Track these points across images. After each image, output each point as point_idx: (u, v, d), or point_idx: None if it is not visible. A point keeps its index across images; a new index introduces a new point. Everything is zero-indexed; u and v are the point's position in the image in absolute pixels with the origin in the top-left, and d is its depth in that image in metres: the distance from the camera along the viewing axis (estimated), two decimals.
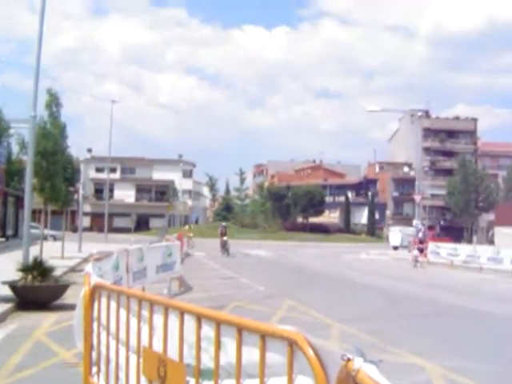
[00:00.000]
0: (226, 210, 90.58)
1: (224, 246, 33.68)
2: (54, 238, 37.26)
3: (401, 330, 10.76)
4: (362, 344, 8.77)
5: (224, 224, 38.30)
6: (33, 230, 19.94)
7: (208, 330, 3.02)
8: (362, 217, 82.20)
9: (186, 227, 50.36)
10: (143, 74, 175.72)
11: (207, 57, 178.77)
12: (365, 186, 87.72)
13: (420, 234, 31.72)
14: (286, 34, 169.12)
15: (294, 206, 77.98)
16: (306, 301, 13.92)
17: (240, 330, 2.70)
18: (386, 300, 15.28)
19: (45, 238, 24.48)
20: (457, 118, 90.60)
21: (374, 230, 78.16)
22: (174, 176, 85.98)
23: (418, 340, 9.66)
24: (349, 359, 1.82)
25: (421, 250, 30.33)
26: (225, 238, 34.28)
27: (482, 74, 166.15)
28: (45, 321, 10.13)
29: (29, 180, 13.61)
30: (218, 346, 2.90)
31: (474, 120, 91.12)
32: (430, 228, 72.70)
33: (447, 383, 6.80)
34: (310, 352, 2.17)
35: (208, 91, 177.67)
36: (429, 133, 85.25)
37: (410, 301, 15.15)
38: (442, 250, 30.54)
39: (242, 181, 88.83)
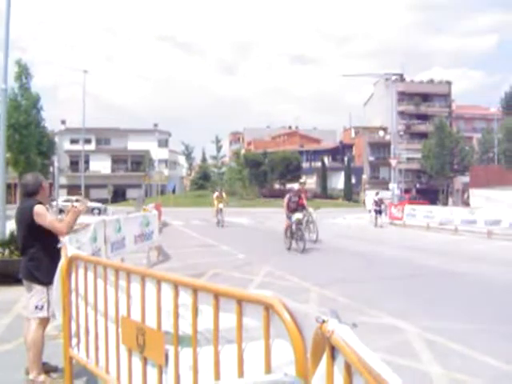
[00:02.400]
0: (203, 179, 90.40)
1: (218, 216, 30.09)
2: None
3: (378, 292, 10.90)
4: (339, 306, 8.95)
5: (220, 188, 33.82)
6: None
7: (185, 298, 3.05)
8: (338, 182, 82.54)
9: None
10: (115, 43, 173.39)
11: (180, 23, 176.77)
12: (341, 151, 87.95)
13: (376, 198, 32.82)
14: None
15: (270, 172, 78.07)
16: (285, 266, 14.03)
17: (217, 296, 2.74)
18: (363, 263, 15.46)
19: None
20: (431, 82, 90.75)
21: (350, 195, 78.53)
22: (150, 146, 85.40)
23: (395, 301, 9.79)
24: (323, 321, 1.85)
25: (379, 212, 32.03)
26: (220, 205, 30.21)
27: (457, 36, 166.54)
28: (24, 295, 10.10)
29: (1, 154, 13.41)
30: (196, 312, 2.93)
31: (449, 83, 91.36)
32: (407, 191, 73.36)
33: (424, 343, 6.92)
34: (286, 315, 2.21)
35: (181, 59, 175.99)
36: (404, 96, 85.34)
37: (386, 263, 15.33)
38: (418, 212, 30.84)
39: (219, 149, 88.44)
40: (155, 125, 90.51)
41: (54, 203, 38.66)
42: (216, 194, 31.31)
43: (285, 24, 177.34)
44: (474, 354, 6.40)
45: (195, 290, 2.89)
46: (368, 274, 13.68)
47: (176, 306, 3.07)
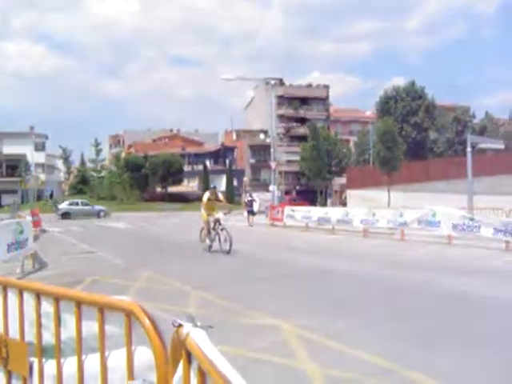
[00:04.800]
0: (82, 183, 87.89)
1: (211, 235, 18.60)
2: None
3: (258, 293, 11.00)
4: (218, 309, 8.99)
5: (213, 186, 21.40)
6: None
7: (48, 307, 2.96)
8: (220, 184, 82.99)
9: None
10: None
11: (57, 23, 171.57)
12: (223, 153, 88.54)
13: (246, 199, 35.84)
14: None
15: (152, 176, 77.31)
16: (165, 271, 13.91)
17: (78, 304, 2.67)
18: (244, 264, 15.61)
19: None
20: (310, 86, 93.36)
21: (232, 197, 79.15)
22: (26, 149, 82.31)
23: (274, 302, 9.92)
24: (180, 325, 1.86)
25: (251, 212, 35.01)
26: (218, 214, 18.53)
27: (336, 41, 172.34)
28: None
29: None
30: (59, 321, 2.85)
31: (326, 87, 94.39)
32: (287, 193, 75.09)
33: (302, 341, 7.06)
34: (147, 321, 2.18)
35: (58, 59, 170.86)
36: (283, 100, 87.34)
37: (267, 264, 15.52)
38: (297, 213, 31.52)
39: (98, 152, 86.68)
40: (31, 127, 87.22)
41: None
42: (207, 195, 19.08)
43: (165, 25, 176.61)
44: (348, 350, 6.58)
45: (57, 299, 2.81)
46: (247, 275, 13.82)
47: (39, 316, 2.97)
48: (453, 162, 51.53)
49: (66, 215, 49.92)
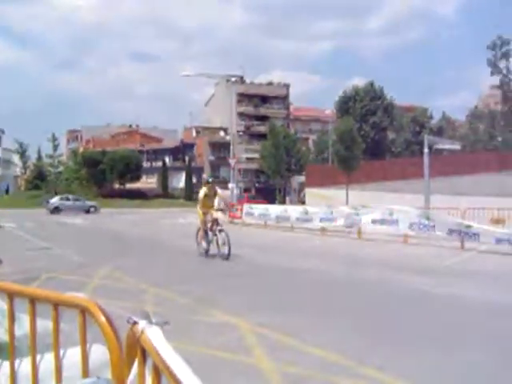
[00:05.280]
0: (39, 178, 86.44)
1: (209, 236, 16.43)
2: None
3: (216, 290, 10.98)
4: (176, 306, 8.96)
5: (211, 179, 18.12)
6: None
7: (2, 304, 2.92)
8: (179, 181, 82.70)
9: None
10: None
11: (15, 15, 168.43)
12: (182, 150, 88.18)
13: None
14: None
15: (110, 172, 76.44)
16: (122, 267, 13.78)
17: (32, 300, 2.63)
18: (202, 263, 15.57)
19: None
20: (270, 84, 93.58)
21: (191, 194, 78.96)
22: None
23: (232, 299, 9.92)
24: (135, 322, 1.85)
25: None
26: (217, 214, 16.50)
27: (298, 40, 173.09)
28: None
29: None
30: (13, 319, 2.81)
31: (287, 86, 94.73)
32: (246, 190, 75.14)
33: (257, 337, 7.08)
34: (102, 318, 2.16)
35: (16, 52, 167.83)
36: (243, 98, 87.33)
37: (225, 262, 15.45)
38: (256, 210, 31.59)
39: (56, 147, 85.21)
40: None
41: None
42: (204, 190, 16.67)
43: (126, 20, 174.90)
44: (305, 348, 6.62)
45: (11, 296, 2.76)
46: (208, 272, 13.81)
47: None
48: (410, 162, 52.27)
49: (56, 210, 50.79)
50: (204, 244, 16.39)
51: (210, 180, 17.49)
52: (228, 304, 9.39)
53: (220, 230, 15.92)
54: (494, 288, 11.50)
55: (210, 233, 16.31)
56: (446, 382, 5.74)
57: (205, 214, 16.34)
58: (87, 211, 52.52)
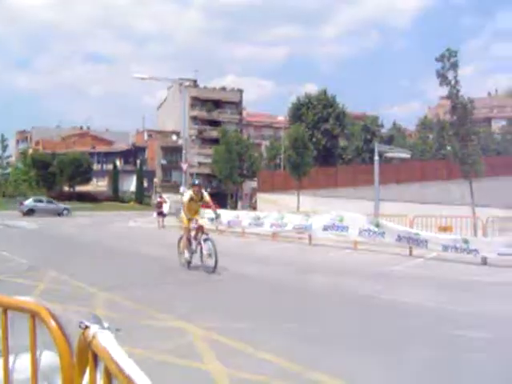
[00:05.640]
0: None
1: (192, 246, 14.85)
2: None
3: (168, 296, 10.95)
4: (126, 310, 8.89)
5: (198, 181, 16.40)
6: None
7: None
8: (130, 184, 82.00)
9: None
10: None
11: None
12: (133, 153, 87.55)
13: (157, 200, 37.23)
14: None
15: (59, 174, 75.41)
16: (71, 271, 13.57)
17: None
18: (155, 268, 15.42)
19: None
20: (223, 89, 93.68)
21: (142, 198, 78.47)
22: None
23: (183, 305, 9.89)
24: (86, 327, 1.85)
25: (161, 214, 34.99)
26: (202, 220, 15.64)
27: (252, 45, 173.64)
28: None
29: None
30: None
31: (240, 91, 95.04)
32: None
33: (208, 343, 7.08)
34: (52, 323, 2.14)
35: None
36: (197, 102, 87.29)
37: (178, 268, 15.31)
38: (207, 215, 31.39)
39: (4, 148, 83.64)
40: None
41: None
42: (189, 193, 15.39)
43: (80, 20, 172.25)
44: (255, 353, 6.64)
45: None
46: (160, 278, 13.72)
47: None
48: (361, 170, 52.94)
49: (30, 212, 50.56)
50: (186, 254, 14.77)
51: (197, 182, 15.87)
52: (179, 309, 9.33)
53: (205, 240, 14.26)
54: (437, 294, 11.76)
55: (193, 242, 14.73)
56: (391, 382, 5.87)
57: (189, 220, 14.80)
58: (60, 214, 52.53)
